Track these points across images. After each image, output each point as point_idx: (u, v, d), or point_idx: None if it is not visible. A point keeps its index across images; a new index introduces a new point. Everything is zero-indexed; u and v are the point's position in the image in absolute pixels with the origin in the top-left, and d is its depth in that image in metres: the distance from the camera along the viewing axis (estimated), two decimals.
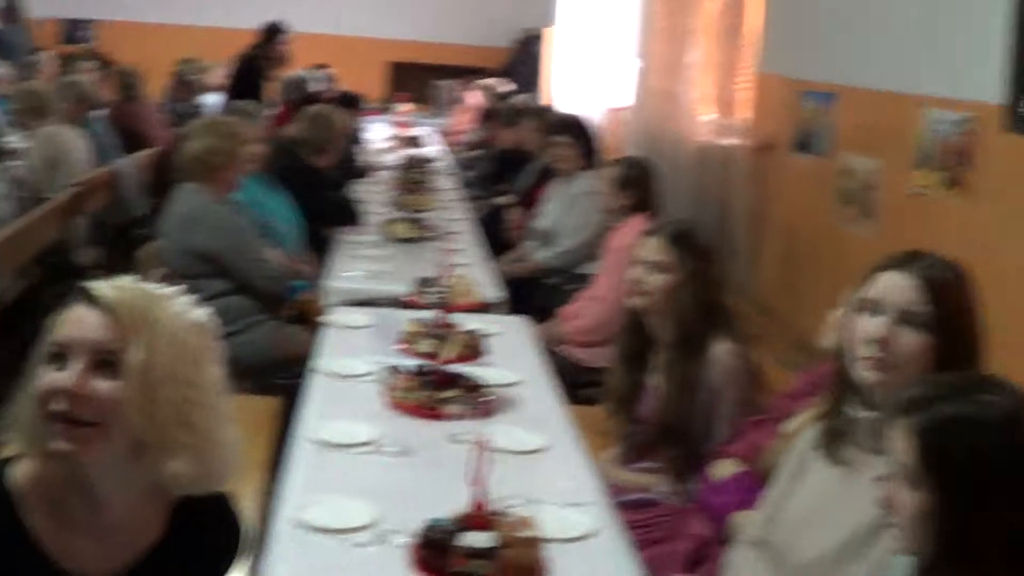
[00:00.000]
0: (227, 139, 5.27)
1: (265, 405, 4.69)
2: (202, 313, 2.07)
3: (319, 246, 6.36)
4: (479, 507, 2.25)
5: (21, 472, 2.04)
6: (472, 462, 2.36)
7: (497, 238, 7.22)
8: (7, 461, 2.06)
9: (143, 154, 8.95)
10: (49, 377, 1.94)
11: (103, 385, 1.93)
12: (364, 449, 3.33)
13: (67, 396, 1.90)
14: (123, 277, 2.06)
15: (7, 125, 8.46)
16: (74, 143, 7.94)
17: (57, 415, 1.91)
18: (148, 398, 1.93)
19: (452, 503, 2.58)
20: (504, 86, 12.05)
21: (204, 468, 2.03)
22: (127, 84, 9.90)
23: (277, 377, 5.19)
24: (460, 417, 3.48)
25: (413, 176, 7.70)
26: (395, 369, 3.80)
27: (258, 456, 4.08)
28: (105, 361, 1.94)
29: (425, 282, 4.07)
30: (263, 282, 5.27)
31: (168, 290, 2.06)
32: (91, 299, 1.98)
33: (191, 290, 5.25)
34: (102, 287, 1.99)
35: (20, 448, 2.02)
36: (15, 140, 8.04)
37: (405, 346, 3.82)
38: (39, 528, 2.03)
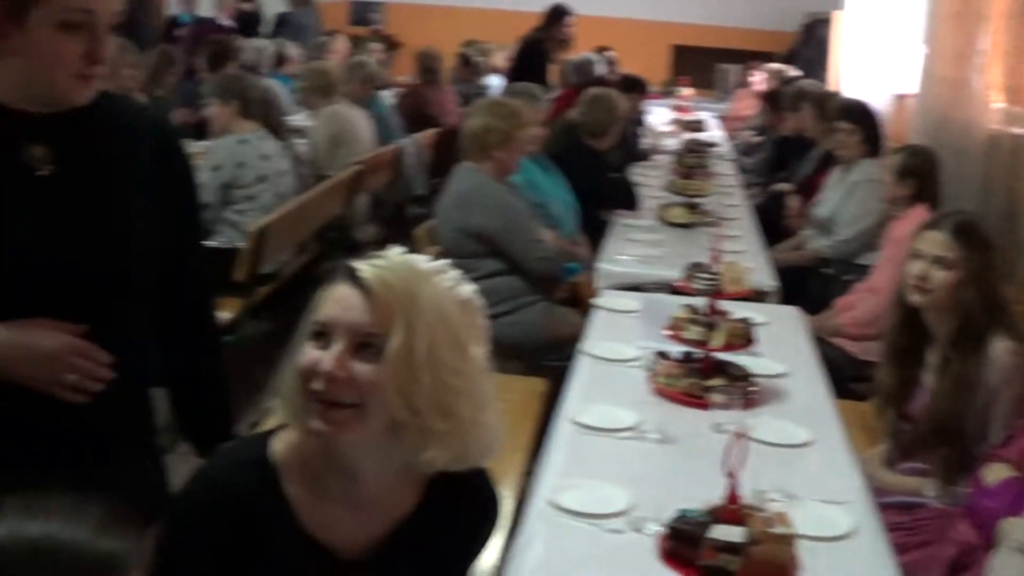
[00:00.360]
0: (506, 119, 5.31)
1: (532, 386, 4.71)
2: (469, 289, 2.05)
3: (595, 229, 6.36)
4: (733, 500, 2.20)
5: (283, 443, 2.09)
6: (730, 453, 2.30)
7: (774, 226, 7.08)
8: (271, 432, 2.11)
9: (426, 134, 9.14)
10: (311, 356, 1.96)
11: (362, 368, 1.93)
12: (625, 434, 3.31)
13: (326, 378, 1.92)
14: (392, 251, 2.04)
15: (293, 104, 8.78)
16: (358, 122, 8.17)
17: (316, 395, 1.94)
18: (407, 383, 1.92)
19: (709, 494, 2.52)
20: (788, 71, 11.82)
21: (460, 451, 2.01)
22: (427, 67, 10.09)
23: (546, 359, 5.23)
24: (724, 406, 3.40)
25: (691, 161, 7.63)
26: (662, 355, 3.77)
27: (522, 437, 4.10)
28: (365, 344, 1.94)
29: (696, 268, 4.02)
30: (536, 263, 5.29)
31: (436, 265, 2.03)
32: (355, 279, 1.99)
33: (463, 269, 5.36)
34: (367, 267, 1.98)
35: (284, 419, 2.06)
36: (300, 118, 8.33)
37: (673, 332, 3.78)
38: (297, 499, 2.07)
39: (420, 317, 1.93)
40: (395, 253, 2.03)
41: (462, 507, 2.18)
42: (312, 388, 1.93)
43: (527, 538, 2.73)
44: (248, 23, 13.96)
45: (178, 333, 2.50)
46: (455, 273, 2.04)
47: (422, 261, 2.02)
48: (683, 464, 3.15)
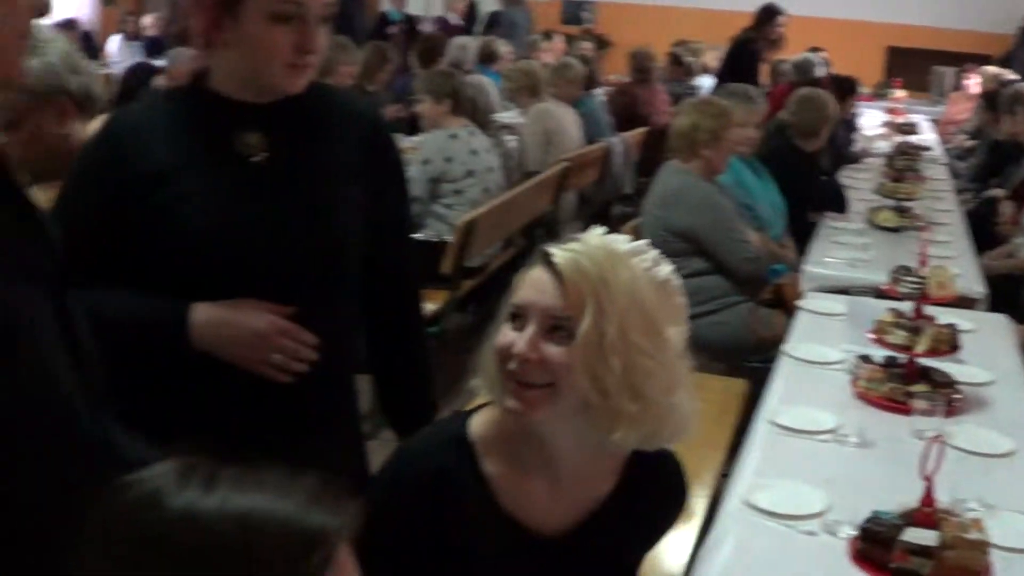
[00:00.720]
0: (715, 118, 5.30)
1: (733, 387, 4.71)
2: (667, 270, 2.05)
3: (803, 231, 6.30)
4: (928, 503, 2.17)
5: (481, 422, 2.14)
6: (926, 456, 2.28)
7: (986, 232, 6.90)
8: (470, 412, 2.17)
9: (635, 132, 9.16)
10: (506, 337, 2.01)
11: (554, 350, 1.96)
12: (823, 437, 3.28)
13: (519, 359, 1.97)
14: (591, 233, 2.06)
15: (502, 101, 8.89)
16: (567, 120, 8.25)
17: (510, 375, 1.99)
18: (597, 365, 1.95)
19: (906, 499, 2.49)
20: (1006, 74, 11.48)
21: (651, 432, 2.03)
22: (640, 66, 10.11)
23: (748, 360, 5.21)
24: (926, 413, 3.34)
25: (902, 163, 7.49)
26: (865, 359, 3.73)
27: (721, 437, 4.10)
28: (557, 327, 1.98)
29: (902, 271, 3.96)
30: (743, 264, 5.27)
31: (633, 246, 2.03)
32: (549, 264, 2.03)
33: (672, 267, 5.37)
34: (562, 252, 2.00)
35: (484, 395, 2.12)
36: (509, 115, 8.43)
37: (877, 336, 3.73)
38: (495, 477, 2.12)
39: (612, 300, 1.95)
40: (593, 235, 2.05)
41: (657, 490, 2.21)
42: (507, 368, 1.98)
43: (718, 536, 2.74)
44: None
45: (385, 321, 2.58)
46: (653, 254, 2.04)
47: (619, 243, 2.03)
48: (881, 469, 3.11)
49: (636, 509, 2.17)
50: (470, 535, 2.10)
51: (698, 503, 3.56)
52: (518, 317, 2.01)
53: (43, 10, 6.22)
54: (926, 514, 2.14)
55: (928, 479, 2.23)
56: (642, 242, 2.06)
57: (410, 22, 14.66)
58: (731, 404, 4.48)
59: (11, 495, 1.58)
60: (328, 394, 2.43)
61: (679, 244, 5.18)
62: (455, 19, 13.86)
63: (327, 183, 2.33)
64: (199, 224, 2.21)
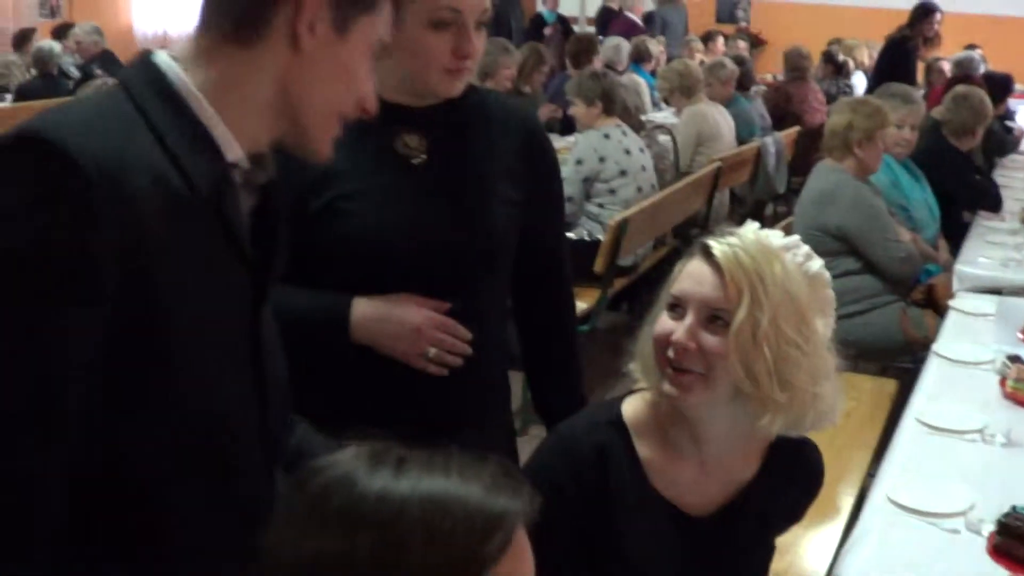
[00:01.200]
0: (868, 118, 5.29)
1: (883, 387, 4.72)
2: (819, 263, 2.14)
3: (957, 230, 6.26)
4: None
5: (633, 406, 2.25)
6: None
7: None
8: (622, 398, 2.28)
9: (788, 132, 9.14)
10: (666, 325, 2.11)
11: (710, 339, 2.06)
12: (970, 436, 3.30)
13: (677, 347, 2.07)
14: (746, 227, 2.15)
15: (658, 101, 8.94)
16: (720, 121, 8.28)
17: (668, 361, 2.09)
18: (750, 355, 2.04)
19: None
20: None
21: (796, 419, 2.10)
22: (795, 65, 10.08)
23: (899, 360, 5.21)
24: None
25: None
26: (1014, 359, 3.73)
27: (869, 437, 4.14)
28: (714, 317, 2.07)
29: None
30: (896, 264, 5.26)
31: (787, 241, 2.13)
32: (709, 256, 2.11)
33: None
34: (720, 245, 2.09)
35: (640, 378, 2.22)
36: (663, 115, 8.49)
37: None
38: (647, 459, 2.22)
39: (767, 293, 2.05)
40: (749, 230, 2.14)
41: (797, 477, 2.31)
42: (665, 355, 2.09)
43: (861, 532, 2.78)
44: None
45: (539, 318, 2.67)
46: (805, 249, 2.14)
47: (774, 237, 2.13)
48: None
49: (777, 493, 2.26)
50: (624, 512, 2.20)
51: (845, 501, 3.61)
52: (677, 307, 2.11)
53: None
54: None
55: None
56: (794, 237, 2.15)
57: (564, 23, 14.78)
58: (881, 404, 4.50)
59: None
60: (481, 390, 2.51)
61: (831, 243, 5.20)
62: (636, 18, 13.88)
63: (483, 185, 2.42)
64: (364, 223, 2.31)
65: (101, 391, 1.59)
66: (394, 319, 2.32)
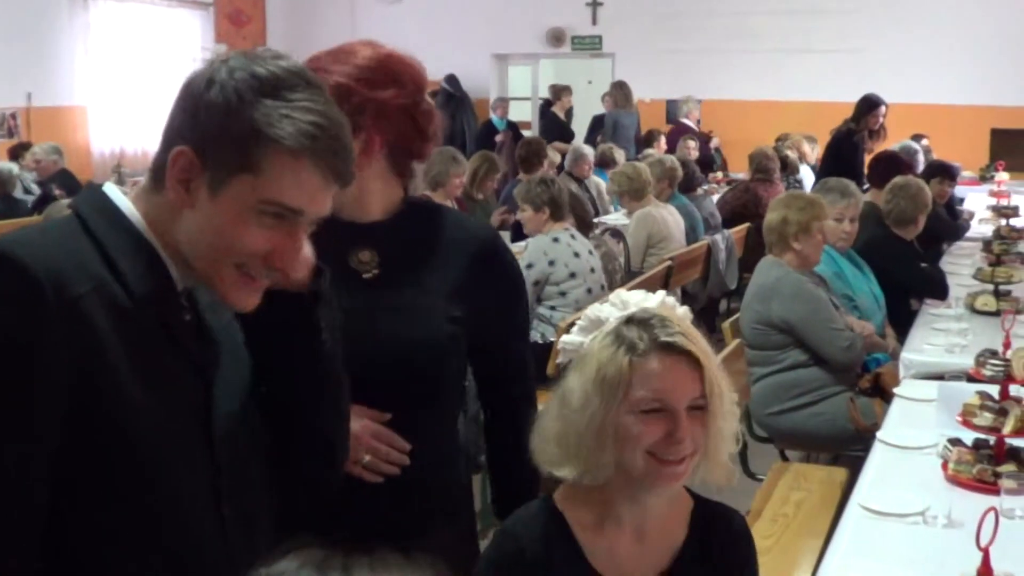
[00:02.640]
0: (801, 211, 5.42)
1: (833, 476, 4.80)
2: None
3: (905, 318, 6.36)
4: (986, 574, 2.27)
5: (563, 492, 2.35)
6: (981, 528, 2.38)
7: None
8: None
9: (738, 229, 9.29)
10: (651, 428, 2.19)
11: (696, 427, 2.20)
12: (912, 519, 3.36)
13: (683, 445, 2.19)
14: (652, 299, 2.29)
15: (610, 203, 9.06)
16: (669, 221, 8.42)
17: (663, 461, 2.20)
18: (722, 426, 2.24)
19: None
20: None
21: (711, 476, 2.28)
22: (761, 167, 10.22)
23: (851, 448, 5.28)
24: (1015, 492, 3.42)
25: (1001, 248, 7.51)
26: (955, 442, 3.80)
27: (820, 524, 4.20)
28: (695, 407, 2.20)
29: (987, 355, 4.05)
30: (838, 352, 5.36)
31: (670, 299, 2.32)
32: (671, 351, 2.20)
33: (767, 361, 5.49)
34: (676, 337, 2.20)
35: (569, 471, 2.28)
36: (613, 218, 8.61)
37: (965, 419, 3.82)
38: (585, 538, 2.31)
39: (713, 367, 2.23)
40: (657, 303, 2.29)
41: (723, 538, 2.38)
42: (658, 456, 2.19)
43: None
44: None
45: (499, 422, 2.71)
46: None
47: (674, 305, 2.33)
48: (968, 548, 3.15)
49: (708, 555, 2.34)
50: None
51: None
52: (659, 409, 2.19)
53: None
54: None
55: (985, 550, 2.33)
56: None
57: (514, 129, 15.00)
58: (831, 493, 4.57)
59: None
60: (424, 499, 2.55)
61: (777, 336, 5.31)
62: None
63: (429, 300, 2.47)
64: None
65: (52, 491, 1.68)
66: None
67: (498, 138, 14.30)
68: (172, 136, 1.78)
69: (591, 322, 2.29)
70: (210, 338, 1.90)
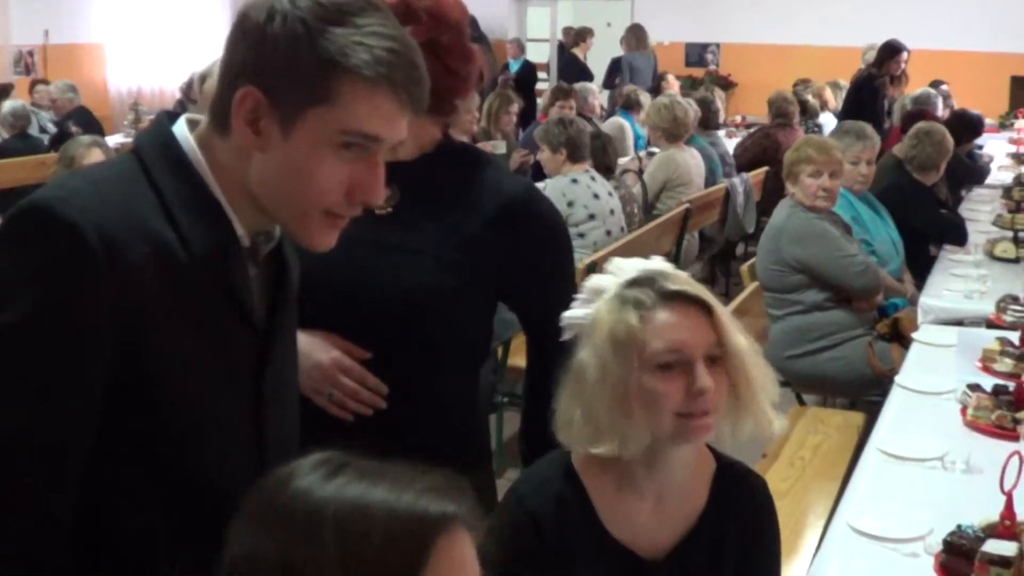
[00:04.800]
0: (818, 151, 5.40)
1: (851, 420, 4.80)
2: None
3: (924, 264, 6.35)
4: (1009, 517, 2.27)
5: (581, 455, 2.29)
6: (1005, 472, 2.38)
7: None
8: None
9: (756, 172, 9.24)
10: (671, 383, 2.15)
11: (717, 378, 2.16)
12: (930, 464, 3.36)
13: (708, 395, 2.14)
14: (651, 265, 2.25)
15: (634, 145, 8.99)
16: (691, 164, 8.37)
17: (689, 414, 2.15)
18: (740, 378, 2.19)
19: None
20: None
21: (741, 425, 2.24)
22: (781, 111, 10.14)
23: (869, 394, 5.28)
24: None
25: (1021, 194, 7.47)
26: (975, 388, 3.80)
27: (837, 469, 4.20)
28: (712, 357, 2.16)
29: (1008, 300, 4.04)
30: (854, 278, 5.36)
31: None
32: (682, 300, 2.17)
33: (785, 303, 5.46)
34: (687, 286, 2.19)
35: (588, 442, 2.23)
36: (627, 160, 8.56)
37: (985, 365, 3.81)
38: (601, 503, 2.27)
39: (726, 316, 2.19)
40: (658, 265, 2.26)
41: (745, 503, 2.34)
42: (683, 411, 2.15)
43: (823, 559, 2.84)
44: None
45: (534, 370, 2.61)
46: None
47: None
48: (987, 494, 3.15)
49: (727, 522, 2.31)
50: (581, 562, 2.25)
51: (813, 532, 3.67)
52: (675, 362, 2.15)
53: None
54: (1006, 527, 2.23)
55: (1008, 494, 2.33)
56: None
57: (527, 71, 14.94)
58: (849, 437, 4.57)
59: None
60: (444, 448, 2.53)
61: (793, 276, 5.31)
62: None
63: (431, 246, 2.40)
64: (311, 263, 2.34)
65: (94, 456, 1.65)
66: (302, 354, 2.26)
67: (501, 78, 14.22)
68: (233, 75, 1.69)
69: (591, 293, 2.24)
70: (276, 297, 1.87)
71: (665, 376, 2.14)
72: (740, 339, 2.19)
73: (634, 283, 2.19)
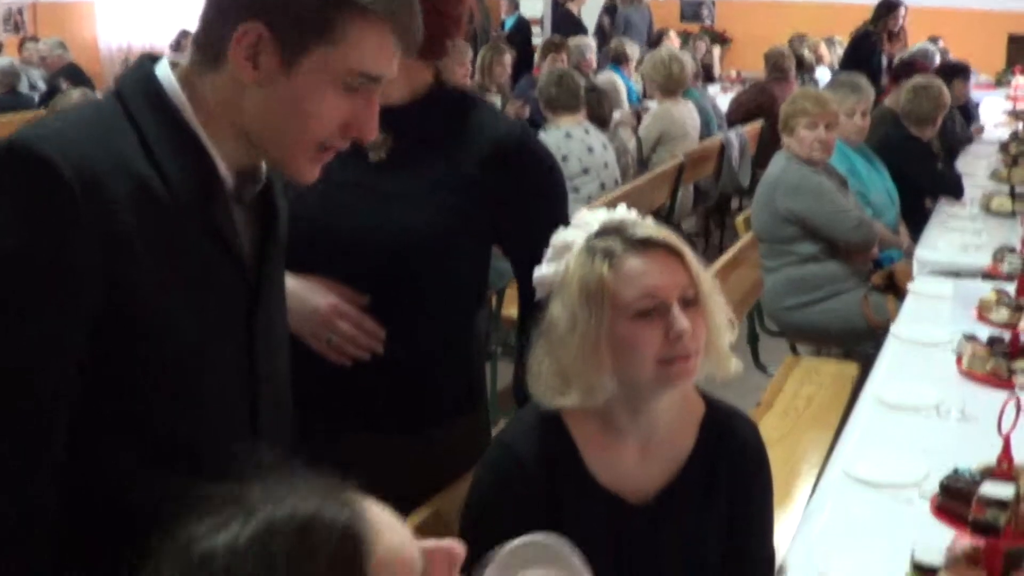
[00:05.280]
0: (812, 103, 5.39)
1: (845, 371, 4.80)
2: None
3: (919, 217, 6.33)
4: (1006, 459, 2.26)
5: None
6: (1006, 416, 2.36)
7: None
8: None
9: (751, 126, 9.21)
10: (649, 329, 2.13)
11: (695, 320, 2.15)
12: (925, 412, 3.35)
13: (686, 337, 2.13)
14: (615, 215, 2.22)
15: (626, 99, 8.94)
16: (687, 118, 8.34)
17: (671, 359, 2.14)
18: (716, 319, 2.21)
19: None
20: None
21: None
22: (777, 65, 10.09)
23: (863, 345, 5.27)
24: None
25: (1017, 149, 7.45)
26: (970, 338, 3.78)
27: (831, 418, 4.20)
28: (686, 300, 2.15)
29: (1005, 251, 4.01)
30: (849, 233, 5.36)
31: None
32: (654, 246, 2.15)
33: (779, 254, 5.45)
34: (656, 230, 2.18)
35: (564, 394, 2.21)
36: (620, 114, 8.53)
37: (981, 315, 3.80)
38: (587, 448, 2.25)
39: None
40: (620, 214, 2.23)
41: (732, 447, 2.32)
42: (671, 354, 2.13)
43: (817, 505, 2.83)
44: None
45: (524, 318, 2.66)
46: None
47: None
48: (982, 442, 3.14)
49: (716, 467, 2.29)
50: (566, 507, 2.23)
51: (806, 481, 3.67)
52: (652, 308, 2.13)
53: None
54: (1003, 470, 2.22)
55: (1006, 437, 2.31)
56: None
57: (523, 25, 14.87)
58: (843, 387, 4.58)
59: None
60: (442, 390, 2.53)
61: (788, 228, 5.30)
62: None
63: (426, 190, 2.39)
64: (307, 211, 2.28)
65: (82, 397, 1.64)
66: (300, 299, 2.30)
67: (494, 34, 14.16)
68: (233, 10, 1.68)
69: (558, 250, 2.21)
70: (265, 240, 1.86)
71: (642, 323, 2.12)
72: (709, 281, 2.20)
73: (601, 233, 2.17)
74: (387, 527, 1.20)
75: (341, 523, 1.15)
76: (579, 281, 2.14)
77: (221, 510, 1.16)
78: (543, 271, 2.21)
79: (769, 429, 3.94)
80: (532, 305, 2.37)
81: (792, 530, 2.90)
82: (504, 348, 5.61)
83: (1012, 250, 4.00)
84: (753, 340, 5.62)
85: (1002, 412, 2.38)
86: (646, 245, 2.14)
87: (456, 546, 1.26)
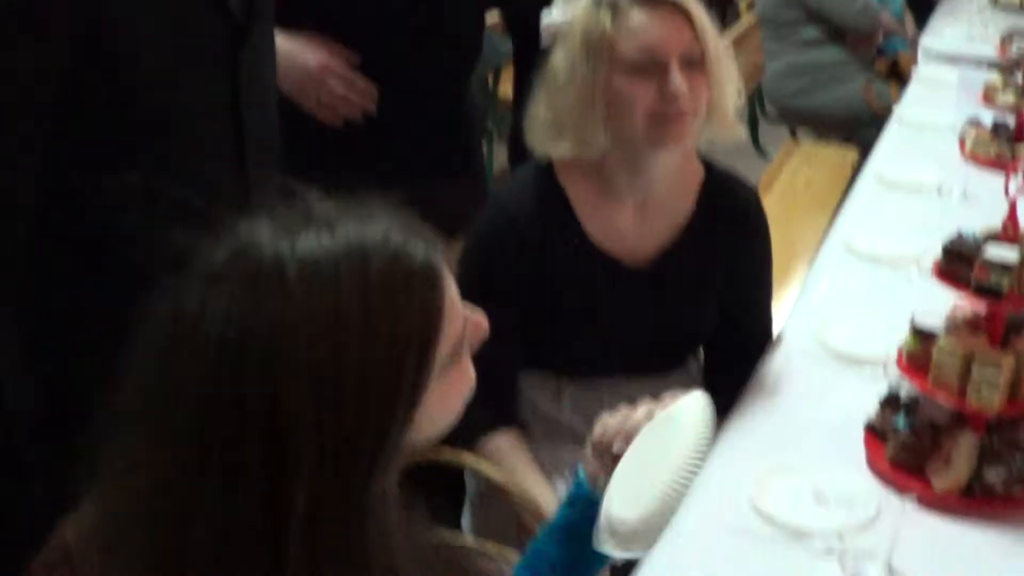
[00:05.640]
0: None
1: (845, 155, 4.77)
2: None
3: (925, 7, 6.22)
4: (1012, 223, 2.24)
5: (561, 159, 2.27)
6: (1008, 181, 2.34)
7: None
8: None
9: None
10: (645, 85, 2.13)
11: (695, 81, 2.14)
12: (927, 193, 3.33)
13: (682, 99, 2.12)
14: None
15: None
16: None
17: (663, 117, 2.14)
18: (723, 82, 2.20)
19: None
20: None
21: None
22: None
23: (864, 133, 5.23)
24: None
25: None
26: (975, 122, 3.75)
27: (830, 200, 4.19)
28: (692, 62, 2.14)
29: (1011, 37, 3.95)
30: (851, 16, 5.28)
31: None
32: (659, 4, 2.13)
33: (783, 37, 5.36)
34: None
35: (557, 140, 2.23)
36: None
37: (986, 98, 3.75)
38: (583, 207, 2.26)
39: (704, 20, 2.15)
40: None
41: (734, 211, 2.33)
42: (656, 114, 2.13)
43: (815, 276, 2.83)
44: None
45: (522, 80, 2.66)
46: None
47: None
48: (982, 221, 3.15)
49: (715, 231, 2.29)
50: (561, 266, 2.23)
51: (803, 259, 3.67)
52: (650, 65, 2.11)
53: None
54: (1009, 233, 2.20)
55: (1012, 200, 2.29)
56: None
57: None
58: (842, 172, 4.57)
59: None
60: (436, 153, 2.53)
61: (792, 11, 5.20)
62: None
63: None
64: None
65: (57, 136, 1.62)
66: (292, 57, 2.29)
67: None
68: None
69: None
70: None
71: (637, 78, 2.11)
72: (718, 44, 2.17)
73: None
74: (448, 274, 1.19)
75: (428, 259, 1.14)
76: (582, 32, 2.13)
77: (283, 220, 1.12)
78: (551, 17, 2.18)
79: (766, 210, 3.93)
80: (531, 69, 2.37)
81: (790, 306, 2.93)
82: (499, 131, 5.57)
83: (1021, 34, 3.92)
84: (753, 124, 5.57)
85: (1008, 176, 2.35)
86: (653, 2, 2.11)
87: (484, 320, 1.25)
